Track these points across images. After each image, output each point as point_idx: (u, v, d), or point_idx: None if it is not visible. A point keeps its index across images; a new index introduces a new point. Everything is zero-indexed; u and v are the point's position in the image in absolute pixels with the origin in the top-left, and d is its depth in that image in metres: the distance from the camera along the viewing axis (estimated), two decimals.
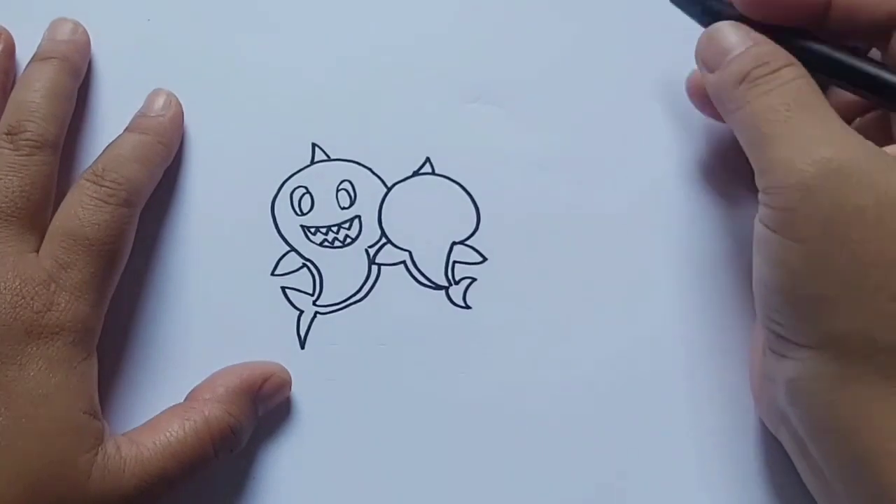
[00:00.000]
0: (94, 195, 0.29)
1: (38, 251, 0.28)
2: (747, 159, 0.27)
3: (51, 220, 0.29)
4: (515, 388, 0.32)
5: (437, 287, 0.33)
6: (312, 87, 0.33)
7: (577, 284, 0.32)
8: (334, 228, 0.33)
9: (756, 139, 0.27)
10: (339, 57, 0.34)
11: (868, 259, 0.24)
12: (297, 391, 0.32)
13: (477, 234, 0.33)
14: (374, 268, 0.33)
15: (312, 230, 0.33)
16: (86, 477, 0.26)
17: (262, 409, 0.31)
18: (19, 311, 0.27)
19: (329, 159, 0.33)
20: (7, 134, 0.29)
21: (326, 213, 0.33)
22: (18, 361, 0.27)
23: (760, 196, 0.27)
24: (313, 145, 0.33)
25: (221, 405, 0.29)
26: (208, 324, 0.32)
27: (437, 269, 0.33)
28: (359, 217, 0.33)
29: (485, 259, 0.33)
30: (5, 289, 0.27)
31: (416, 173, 0.33)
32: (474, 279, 0.33)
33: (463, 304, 0.32)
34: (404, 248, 0.33)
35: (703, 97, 0.31)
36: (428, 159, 0.33)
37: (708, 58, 0.29)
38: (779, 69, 0.27)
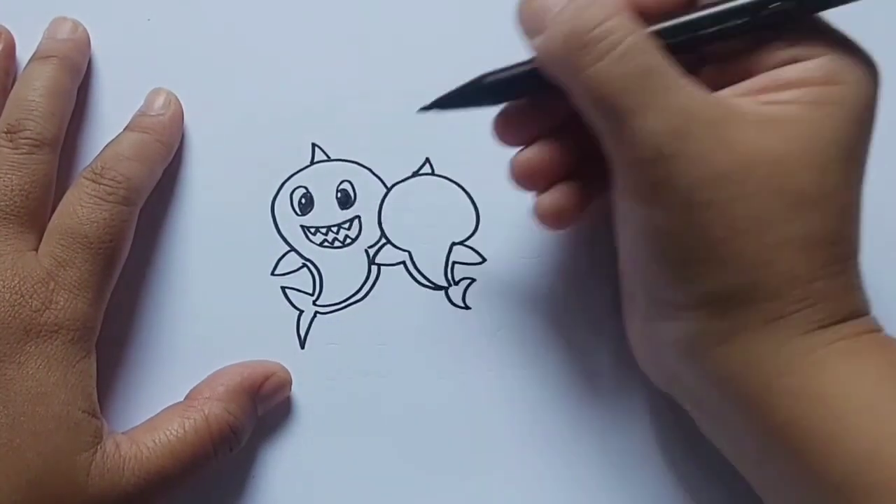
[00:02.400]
0: (93, 193, 0.29)
1: (37, 249, 0.28)
2: None
3: (50, 218, 0.29)
4: (515, 388, 0.32)
5: (437, 287, 0.33)
6: (312, 87, 0.33)
7: (576, 284, 0.33)
8: (334, 228, 0.33)
9: (606, 110, 0.25)
10: (340, 57, 0.34)
11: (735, 218, 0.24)
12: (297, 391, 0.32)
13: (476, 234, 0.33)
14: (374, 268, 0.33)
15: (312, 230, 0.33)
16: (84, 475, 0.26)
17: (262, 408, 0.31)
18: (18, 309, 0.27)
19: (329, 159, 0.33)
20: (6, 132, 0.29)
21: (326, 213, 0.33)
22: (17, 360, 0.26)
23: (619, 170, 0.26)
24: (313, 145, 0.33)
25: (221, 404, 0.29)
26: (208, 324, 0.32)
27: (437, 269, 0.33)
28: (359, 217, 0.33)
29: (484, 260, 0.33)
30: (4, 287, 0.27)
31: (415, 174, 0.33)
32: (474, 279, 0.33)
33: (462, 305, 0.32)
34: (404, 248, 0.33)
35: (503, 126, 0.29)
36: (428, 160, 0.33)
37: (528, 20, 0.26)
38: (610, 33, 0.24)
